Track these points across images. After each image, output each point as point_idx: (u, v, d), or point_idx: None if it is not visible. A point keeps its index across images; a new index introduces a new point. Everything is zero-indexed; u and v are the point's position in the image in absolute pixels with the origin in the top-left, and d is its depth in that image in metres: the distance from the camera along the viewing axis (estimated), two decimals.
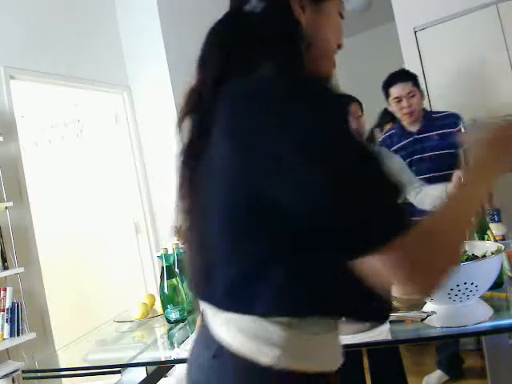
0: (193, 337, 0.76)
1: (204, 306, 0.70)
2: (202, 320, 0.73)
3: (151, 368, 1.38)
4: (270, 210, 0.58)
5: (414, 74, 2.23)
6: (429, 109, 2.31)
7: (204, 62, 0.71)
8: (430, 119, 2.17)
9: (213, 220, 0.64)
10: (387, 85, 2.20)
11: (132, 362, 1.26)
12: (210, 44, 0.71)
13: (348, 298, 0.61)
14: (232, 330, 0.63)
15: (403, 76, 2.19)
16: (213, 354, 0.65)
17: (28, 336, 2.24)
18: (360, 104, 1.96)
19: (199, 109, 0.68)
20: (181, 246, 1.63)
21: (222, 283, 0.63)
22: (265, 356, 0.60)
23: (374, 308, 0.63)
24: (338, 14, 0.76)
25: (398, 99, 2.14)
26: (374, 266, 0.53)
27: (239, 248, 0.61)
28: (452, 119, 2.14)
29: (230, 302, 0.63)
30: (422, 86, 2.87)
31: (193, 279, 0.71)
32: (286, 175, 0.55)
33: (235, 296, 0.62)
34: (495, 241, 1.31)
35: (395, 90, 2.15)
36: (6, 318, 2.18)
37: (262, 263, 0.60)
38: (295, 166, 0.54)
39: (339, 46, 0.77)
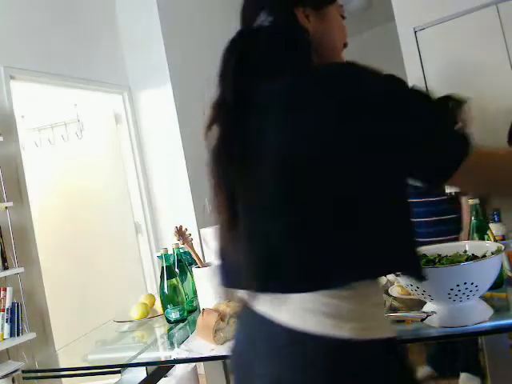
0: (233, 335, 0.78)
1: (261, 298, 0.72)
2: (252, 316, 0.74)
3: (151, 368, 1.38)
4: (363, 184, 0.65)
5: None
6: None
7: (224, 77, 0.77)
8: None
9: (277, 209, 0.68)
10: None
11: (132, 362, 1.26)
12: (227, 61, 0.77)
13: (404, 254, 0.70)
14: (304, 313, 0.66)
15: None
16: (287, 342, 0.67)
17: (28, 336, 2.24)
18: None
19: (224, 118, 0.75)
20: (181, 245, 1.63)
21: (293, 266, 0.66)
22: (343, 330, 0.65)
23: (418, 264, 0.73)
24: (339, 16, 0.83)
25: None
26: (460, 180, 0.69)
27: (315, 230, 0.66)
28: None
29: (304, 283, 0.66)
30: (422, 86, 2.86)
31: (248, 273, 0.71)
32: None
33: (310, 275, 0.66)
34: (495, 241, 1.31)
35: None
36: (6, 317, 2.18)
37: (338, 238, 0.65)
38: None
39: (345, 45, 0.85)
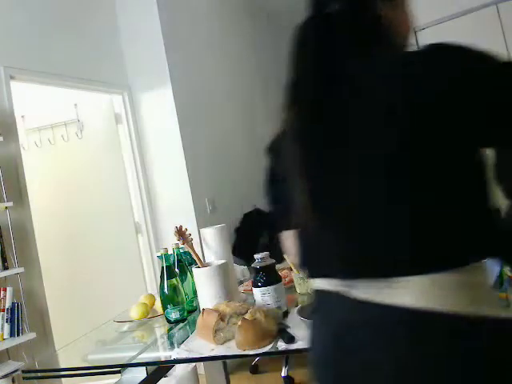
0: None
1: (361, 285, 0.69)
2: (347, 305, 0.70)
3: (151, 368, 1.38)
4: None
5: None
6: None
7: (303, 59, 0.77)
8: None
9: (403, 193, 0.66)
10: None
11: (132, 362, 1.26)
12: (305, 42, 0.77)
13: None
14: (433, 294, 0.64)
15: None
16: (413, 325, 0.64)
17: (28, 336, 2.24)
18: None
19: (306, 99, 0.74)
20: (181, 245, 1.63)
21: (428, 245, 0.65)
22: (481, 308, 0.64)
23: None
24: (409, 10, 0.83)
25: None
26: None
27: (447, 205, 0.65)
28: None
29: (442, 261, 0.65)
30: None
31: (377, 258, 0.68)
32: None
33: (449, 252, 0.65)
34: None
35: None
36: (5, 317, 2.18)
37: (467, 213, 0.66)
38: None
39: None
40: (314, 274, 0.81)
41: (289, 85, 0.77)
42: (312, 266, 0.81)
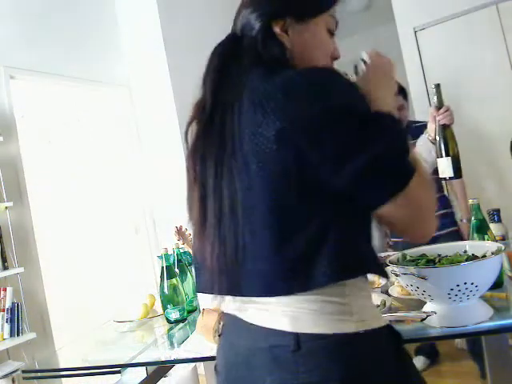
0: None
1: (251, 303, 0.70)
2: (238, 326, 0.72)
3: (151, 368, 1.38)
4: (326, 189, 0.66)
5: (403, 86, 2.19)
6: (411, 118, 2.32)
7: (205, 79, 0.83)
8: (411, 130, 2.11)
9: (259, 210, 0.67)
10: None
11: (132, 362, 1.26)
12: (210, 65, 0.83)
13: (370, 254, 0.70)
14: (300, 315, 0.66)
15: None
16: (292, 348, 0.65)
17: (28, 336, 2.24)
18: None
19: (202, 117, 0.79)
20: (181, 245, 1.63)
21: (285, 267, 0.66)
22: (348, 325, 0.66)
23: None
24: (326, 30, 0.81)
25: None
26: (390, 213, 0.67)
27: (310, 231, 0.66)
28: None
29: (292, 285, 0.66)
30: (422, 86, 2.87)
31: (243, 279, 0.69)
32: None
33: (297, 277, 0.66)
34: (495, 241, 1.30)
35: None
36: (6, 318, 2.19)
37: (319, 239, 0.66)
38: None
39: (335, 58, 0.83)
40: (207, 288, 0.80)
41: (195, 103, 0.83)
42: (204, 279, 0.80)
